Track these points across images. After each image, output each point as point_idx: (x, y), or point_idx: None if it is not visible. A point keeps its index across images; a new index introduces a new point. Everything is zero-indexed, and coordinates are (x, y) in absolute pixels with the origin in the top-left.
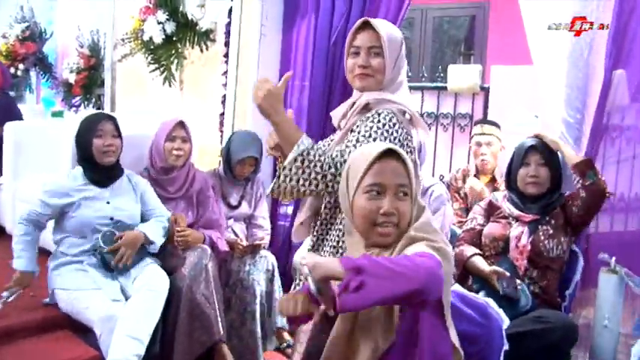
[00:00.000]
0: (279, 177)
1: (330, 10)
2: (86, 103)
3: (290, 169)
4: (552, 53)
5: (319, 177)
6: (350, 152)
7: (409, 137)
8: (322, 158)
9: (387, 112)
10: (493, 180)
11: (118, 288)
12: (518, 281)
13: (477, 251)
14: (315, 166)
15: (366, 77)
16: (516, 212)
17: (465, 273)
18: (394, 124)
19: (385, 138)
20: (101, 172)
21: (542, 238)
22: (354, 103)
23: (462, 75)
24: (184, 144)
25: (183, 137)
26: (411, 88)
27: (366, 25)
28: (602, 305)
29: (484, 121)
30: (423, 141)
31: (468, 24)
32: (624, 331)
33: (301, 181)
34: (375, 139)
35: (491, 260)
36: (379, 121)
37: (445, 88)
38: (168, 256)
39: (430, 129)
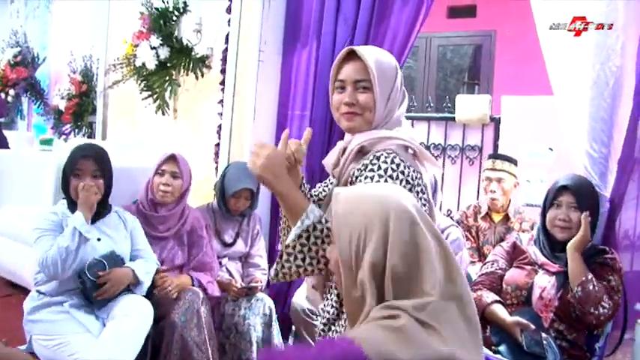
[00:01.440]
0: (281, 257)
1: (332, 36)
2: (76, 130)
3: (294, 247)
4: (574, 82)
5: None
6: None
7: (418, 175)
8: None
9: (386, 152)
10: (506, 218)
11: (100, 325)
12: (543, 335)
13: (498, 298)
14: (323, 242)
15: (354, 116)
16: (542, 259)
17: (483, 322)
18: (398, 165)
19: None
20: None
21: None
22: (345, 149)
23: (470, 105)
24: (174, 180)
25: (173, 172)
26: (416, 118)
27: (352, 55)
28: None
29: (496, 155)
30: (435, 178)
31: (471, 53)
32: None
33: (308, 260)
34: None
35: (512, 309)
36: (379, 167)
37: (453, 119)
38: (158, 300)
39: (437, 162)
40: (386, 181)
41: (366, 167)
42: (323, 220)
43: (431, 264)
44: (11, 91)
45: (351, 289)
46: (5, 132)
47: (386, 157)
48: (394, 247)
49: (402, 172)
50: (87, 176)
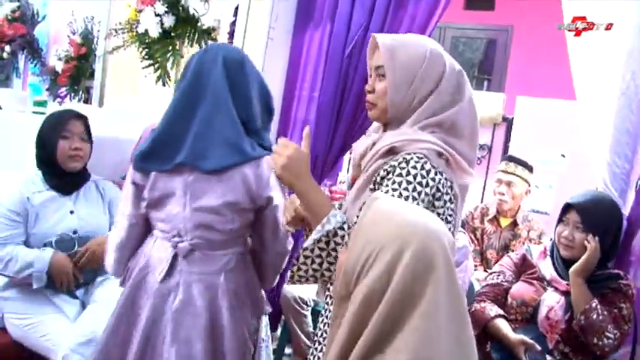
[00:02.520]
0: (298, 259)
1: (348, 19)
2: (73, 95)
3: (312, 251)
4: (601, 90)
5: None
6: None
7: (449, 183)
8: None
9: (417, 156)
10: (514, 224)
11: (78, 306)
12: (549, 358)
13: (502, 312)
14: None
15: (372, 106)
16: (552, 275)
17: (484, 335)
18: (428, 171)
19: (419, 193)
20: (65, 177)
21: None
22: (374, 144)
23: (483, 103)
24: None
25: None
26: None
27: (376, 42)
28: None
29: (512, 158)
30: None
31: (484, 46)
32: None
33: (325, 265)
34: (407, 198)
35: (515, 325)
36: (408, 172)
37: None
38: None
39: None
40: (414, 189)
41: (394, 170)
42: (345, 227)
43: (424, 323)
44: (7, 48)
45: (342, 302)
46: None
47: (416, 162)
48: (397, 285)
49: (433, 179)
50: (76, 138)
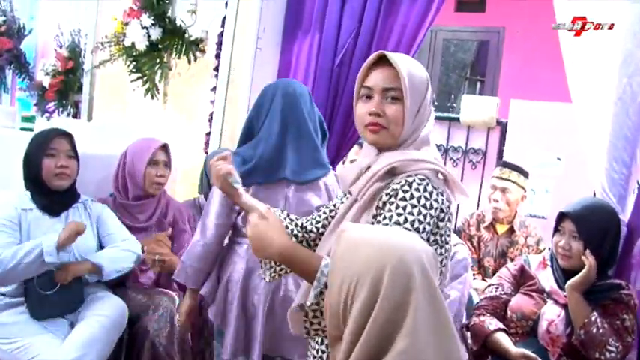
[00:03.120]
0: (306, 315)
1: (337, 26)
2: (61, 109)
3: (317, 304)
4: (597, 94)
5: None
6: None
7: (448, 203)
8: None
9: (418, 179)
10: (511, 231)
11: (66, 326)
12: None
13: (502, 326)
14: None
15: (380, 129)
16: (552, 286)
17: (484, 349)
18: (431, 193)
19: (424, 216)
20: (53, 197)
21: None
22: (369, 167)
23: (476, 107)
24: (166, 170)
25: (165, 162)
26: None
27: (382, 61)
28: None
29: (506, 164)
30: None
31: (475, 48)
32: None
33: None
34: (413, 222)
35: (515, 339)
36: (412, 196)
37: (457, 120)
38: (133, 300)
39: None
40: (419, 212)
41: (397, 194)
42: None
43: (408, 344)
44: None
45: (335, 343)
46: None
47: (419, 185)
48: (382, 308)
49: (436, 201)
50: (62, 156)
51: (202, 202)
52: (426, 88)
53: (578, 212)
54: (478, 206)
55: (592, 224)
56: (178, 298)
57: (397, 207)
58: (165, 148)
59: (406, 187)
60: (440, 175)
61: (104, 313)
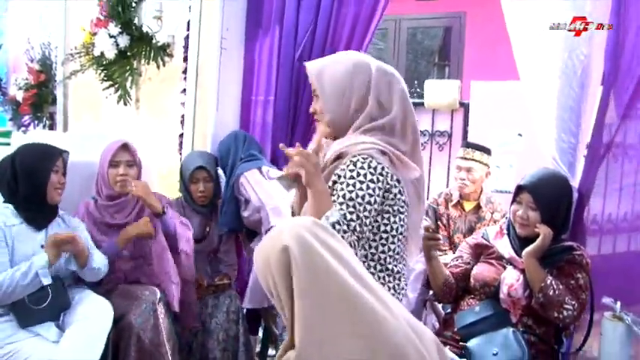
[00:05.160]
0: None
1: (295, 22)
2: (36, 122)
3: None
4: (542, 71)
5: None
6: (337, 215)
7: (396, 177)
8: None
9: (362, 157)
10: (478, 207)
11: (54, 328)
12: (511, 329)
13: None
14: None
15: (317, 123)
16: (510, 254)
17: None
18: (375, 168)
19: (373, 189)
20: (43, 210)
21: None
22: (324, 155)
23: (440, 90)
24: (130, 169)
25: (127, 161)
26: None
27: None
28: (607, 356)
29: (469, 144)
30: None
31: (442, 34)
32: None
33: None
34: (363, 197)
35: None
36: (358, 174)
37: (422, 104)
38: (115, 298)
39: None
40: (367, 187)
41: (345, 174)
42: None
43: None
44: None
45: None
46: None
47: (362, 163)
48: (280, 292)
49: (381, 174)
50: (61, 173)
51: (184, 202)
52: (350, 78)
53: (534, 184)
54: (447, 187)
55: (547, 195)
56: (160, 292)
57: (347, 185)
58: (126, 147)
59: (352, 167)
60: (386, 155)
61: (92, 316)
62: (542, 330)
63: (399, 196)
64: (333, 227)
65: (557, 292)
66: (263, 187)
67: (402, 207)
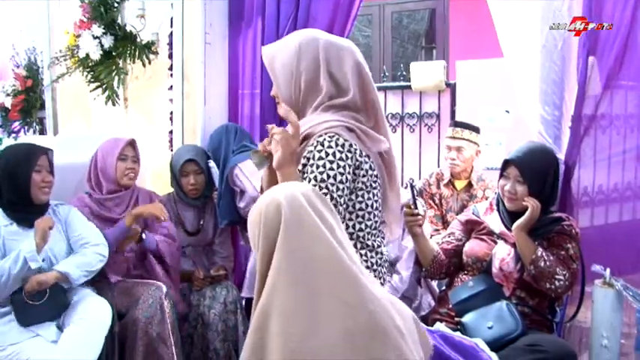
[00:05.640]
0: None
1: (276, 13)
2: (26, 127)
3: None
4: (524, 46)
5: None
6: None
7: (365, 153)
8: None
9: (328, 136)
10: (469, 185)
11: (54, 329)
12: (505, 302)
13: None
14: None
15: (279, 107)
16: (501, 228)
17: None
18: (343, 145)
19: (343, 167)
20: (31, 211)
21: None
22: None
23: (425, 72)
24: (135, 164)
25: (133, 157)
26: None
27: None
28: (599, 323)
29: (457, 123)
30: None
31: (427, 17)
32: (624, 350)
33: None
34: (335, 176)
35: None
36: (327, 154)
37: (409, 87)
38: (120, 294)
39: (395, 131)
40: (337, 164)
41: (313, 155)
42: None
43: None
44: None
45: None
46: None
47: (330, 141)
48: (262, 245)
49: (349, 151)
50: (45, 172)
51: (177, 196)
52: (296, 61)
53: (520, 158)
54: (438, 167)
55: (534, 168)
56: (165, 287)
57: (317, 167)
58: (132, 144)
59: (319, 147)
60: (352, 131)
61: (89, 317)
62: (535, 301)
63: (370, 171)
64: None
65: (548, 263)
66: (258, 177)
67: (375, 182)
